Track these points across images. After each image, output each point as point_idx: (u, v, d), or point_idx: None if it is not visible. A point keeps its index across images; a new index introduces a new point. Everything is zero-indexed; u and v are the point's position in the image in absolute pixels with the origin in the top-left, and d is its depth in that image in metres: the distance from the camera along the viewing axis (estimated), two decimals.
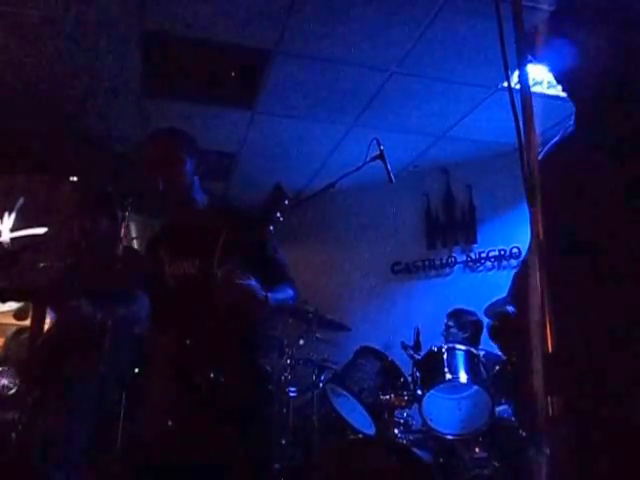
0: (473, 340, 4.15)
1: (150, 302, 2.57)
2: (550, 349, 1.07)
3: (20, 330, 4.95)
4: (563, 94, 1.54)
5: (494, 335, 1.75)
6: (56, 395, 3.00)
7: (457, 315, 4.32)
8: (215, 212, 2.38)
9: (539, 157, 1.62)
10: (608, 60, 1.42)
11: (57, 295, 3.10)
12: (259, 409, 2.21)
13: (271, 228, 1.97)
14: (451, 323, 4.28)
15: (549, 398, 1.07)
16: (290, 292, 2.30)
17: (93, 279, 3.09)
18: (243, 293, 2.00)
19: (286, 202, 1.96)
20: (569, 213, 1.40)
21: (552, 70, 1.52)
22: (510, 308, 1.64)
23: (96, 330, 2.89)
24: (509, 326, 1.61)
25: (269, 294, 2.10)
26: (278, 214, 1.95)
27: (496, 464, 3.32)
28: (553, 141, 1.62)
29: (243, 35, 3.48)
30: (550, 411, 1.06)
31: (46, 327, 3.55)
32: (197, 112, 4.44)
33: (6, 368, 4.18)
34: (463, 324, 4.22)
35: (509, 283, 1.83)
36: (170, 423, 2.12)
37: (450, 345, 3.64)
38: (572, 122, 1.57)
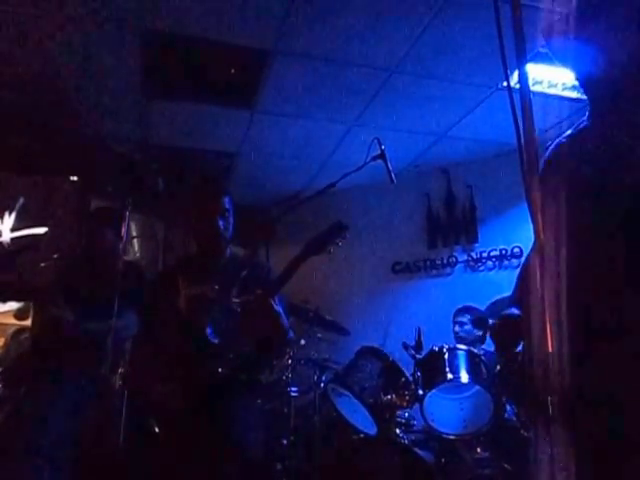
0: (484, 339, 4.16)
1: (156, 324, 2.61)
2: (550, 349, 1.07)
3: (20, 330, 4.95)
4: (563, 93, 1.54)
5: (495, 335, 1.74)
6: (43, 396, 3.01)
7: (468, 310, 4.32)
8: (239, 258, 2.68)
9: (550, 148, 1.62)
10: (629, 61, 1.40)
11: (46, 298, 3.14)
12: (244, 421, 2.28)
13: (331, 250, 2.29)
14: (465, 319, 4.27)
15: (549, 398, 1.06)
16: (291, 334, 2.48)
17: (88, 289, 3.11)
18: (275, 317, 2.20)
19: (345, 236, 2.33)
20: (579, 210, 1.39)
21: (573, 70, 1.51)
22: (514, 310, 1.63)
23: (78, 339, 2.92)
24: (511, 328, 1.60)
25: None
26: (334, 244, 2.29)
27: (498, 464, 3.31)
28: (565, 134, 1.61)
29: (243, 35, 3.47)
30: (550, 411, 1.06)
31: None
32: (197, 112, 4.44)
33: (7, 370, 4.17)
34: (475, 321, 4.22)
35: (514, 282, 1.82)
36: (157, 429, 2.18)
37: (451, 345, 3.64)
38: (585, 118, 1.56)
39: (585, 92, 1.53)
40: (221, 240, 2.54)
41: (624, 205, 1.35)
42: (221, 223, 2.50)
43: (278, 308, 2.20)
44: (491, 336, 1.79)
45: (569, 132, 1.60)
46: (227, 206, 2.56)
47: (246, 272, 2.49)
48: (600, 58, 1.42)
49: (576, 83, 1.55)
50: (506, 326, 1.64)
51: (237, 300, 2.36)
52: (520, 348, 1.62)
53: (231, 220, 2.57)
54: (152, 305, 2.68)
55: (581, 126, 1.57)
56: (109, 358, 2.87)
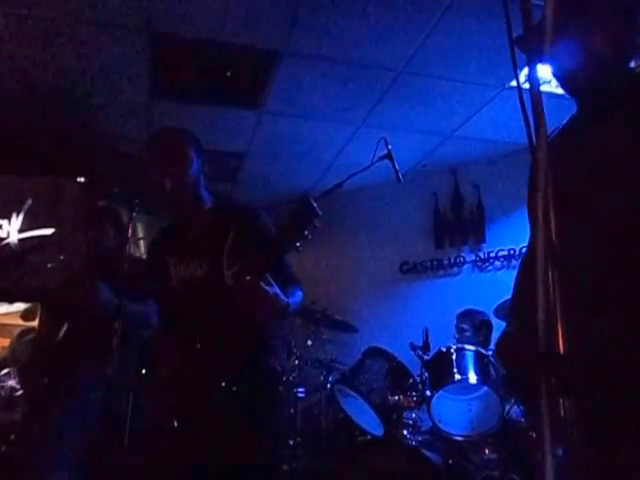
0: (486, 342, 4.12)
1: (160, 305, 2.56)
2: (561, 350, 1.05)
3: (25, 331, 4.97)
4: None
5: (499, 357, 1.72)
6: (59, 395, 3.01)
7: (469, 316, 4.27)
8: (222, 213, 2.36)
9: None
10: (608, 57, 1.40)
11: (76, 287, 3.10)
12: (268, 410, 2.20)
13: (298, 245, 1.85)
14: (465, 326, 4.22)
15: (561, 400, 1.05)
16: (300, 294, 2.28)
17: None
18: (269, 301, 1.95)
19: (316, 221, 1.83)
20: (575, 213, 1.38)
21: (553, 69, 1.51)
22: (511, 328, 1.61)
23: (114, 315, 2.88)
24: (512, 347, 1.58)
25: (289, 300, 2.09)
26: (307, 232, 1.83)
27: (506, 466, 3.30)
28: (555, 132, 1.60)
29: (250, 35, 3.47)
30: (562, 413, 1.05)
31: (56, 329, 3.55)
32: (204, 112, 4.44)
33: (14, 370, 4.19)
34: (477, 326, 4.18)
35: (513, 285, 1.79)
36: (176, 424, 2.11)
37: (459, 345, 3.62)
38: (575, 112, 1.55)
39: (564, 88, 1.52)
40: (182, 187, 2.24)
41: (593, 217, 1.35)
42: (173, 168, 2.22)
43: (272, 289, 1.95)
44: (497, 358, 1.77)
45: (558, 131, 1.59)
46: (185, 150, 2.28)
47: (234, 234, 2.22)
48: (584, 53, 1.41)
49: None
50: (508, 346, 1.62)
51: (229, 272, 2.13)
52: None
53: (194, 167, 2.28)
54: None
55: (567, 125, 1.57)
56: (115, 359, 2.86)
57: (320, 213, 1.86)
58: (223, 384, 2.05)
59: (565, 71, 1.48)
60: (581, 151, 1.46)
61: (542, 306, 1.07)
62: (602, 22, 1.40)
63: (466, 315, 4.29)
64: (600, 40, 1.40)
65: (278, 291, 2.00)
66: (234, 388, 2.06)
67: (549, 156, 1.11)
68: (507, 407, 3.34)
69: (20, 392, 3.77)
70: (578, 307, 1.27)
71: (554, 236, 1.06)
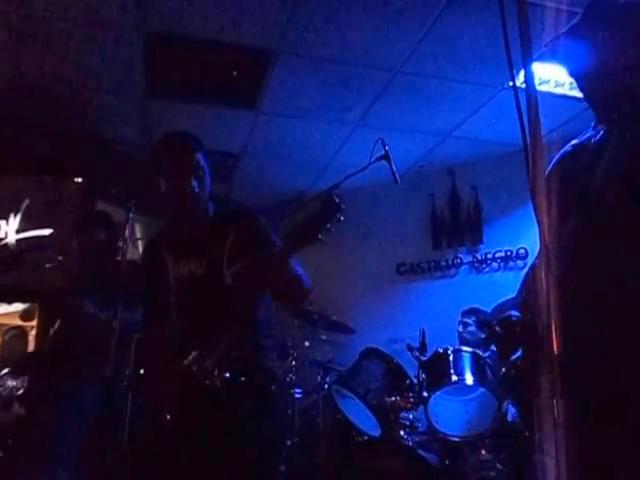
0: (486, 342, 4.12)
1: (152, 302, 2.55)
2: (556, 351, 1.06)
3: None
4: (570, 93, 1.54)
5: (496, 339, 1.74)
6: (56, 395, 3.01)
7: (475, 313, 4.29)
8: (222, 216, 2.37)
9: (555, 159, 1.62)
10: (626, 62, 1.41)
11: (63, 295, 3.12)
12: (261, 410, 2.20)
13: (320, 237, 1.90)
14: (469, 320, 4.25)
15: (555, 401, 1.06)
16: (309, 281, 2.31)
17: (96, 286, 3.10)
18: (294, 275, 2.10)
19: (340, 215, 1.88)
20: (580, 215, 1.39)
21: (571, 72, 1.51)
22: (514, 313, 1.62)
23: (100, 330, 2.90)
24: (511, 332, 1.59)
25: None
26: (329, 225, 1.88)
27: (501, 466, 3.30)
28: (571, 143, 1.61)
29: (246, 35, 3.47)
30: (556, 413, 1.05)
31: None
32: (200, 113, 4.43)
33: (14, 369, 4.19)
34: (481, 324, 4.19)
35: (519, 285, 1.80)
36: (169, 417, 2.11)
37: (456, 347, 3.63)
38: (591, 126, 1.56)
39: (584, 93, 1.53)
40: (197, 203, 2.24)
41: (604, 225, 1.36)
42: (195, 183, 2.19)
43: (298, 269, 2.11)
44: (492, 339, 1.78)
45: (575, 141, 1.60)
46: (202, 163, 2.25)
47: (233, 235, 2.22)
48: (596, 58, 1.43)
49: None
50: (506, 329, 1.64)
51: (229, 272, 2.16)
52: (519, 352, 1.62)
53: (207, 181, 2.27)
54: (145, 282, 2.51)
55: (585, 136, 1.57)
56: (112, 359, 2.87)
57: (344, 207, 1.89)
58: (227, 375, 2.06)
59: (579, 73, 1.49)
60: (584, 169, 1.46)
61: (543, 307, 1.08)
62: (623, 33, 1.41)
63: (472, 312, 4.31)
64: (615, 45, 1.41)
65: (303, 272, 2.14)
66: (242, 379, 2.08)
67: (559, 172, 1.13)
68: (503, 408, 3.35)
69: (21, 391, 3.78)
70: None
71: (547, 238, 1.07)
